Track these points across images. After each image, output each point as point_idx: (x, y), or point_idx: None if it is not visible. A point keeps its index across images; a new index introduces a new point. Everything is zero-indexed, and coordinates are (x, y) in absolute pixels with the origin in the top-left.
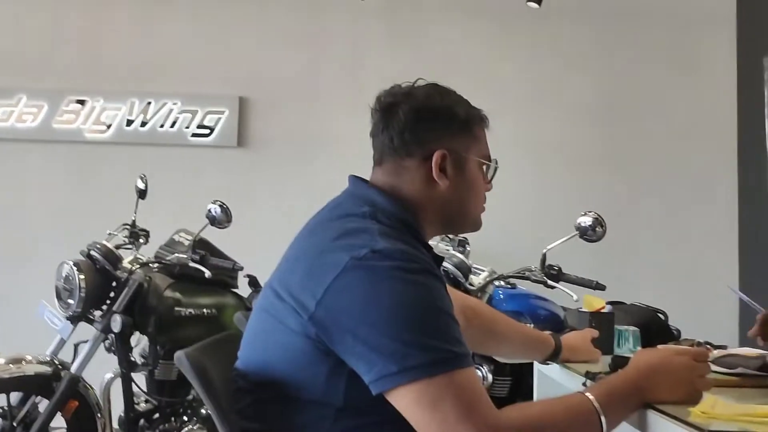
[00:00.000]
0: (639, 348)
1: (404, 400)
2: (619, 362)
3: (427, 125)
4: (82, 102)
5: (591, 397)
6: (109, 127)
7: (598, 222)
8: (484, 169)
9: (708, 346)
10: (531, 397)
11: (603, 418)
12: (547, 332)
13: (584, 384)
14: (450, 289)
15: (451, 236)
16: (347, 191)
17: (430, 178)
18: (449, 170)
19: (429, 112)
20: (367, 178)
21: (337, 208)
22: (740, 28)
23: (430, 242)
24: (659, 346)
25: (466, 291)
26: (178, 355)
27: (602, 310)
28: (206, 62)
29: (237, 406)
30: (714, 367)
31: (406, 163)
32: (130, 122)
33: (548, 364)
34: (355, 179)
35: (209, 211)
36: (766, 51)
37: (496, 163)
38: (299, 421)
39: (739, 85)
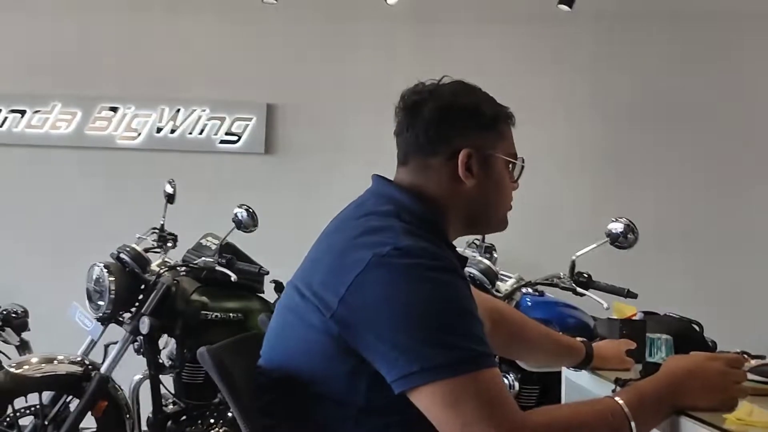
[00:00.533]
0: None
1: (426, 399)
2: (650, 368)
3: (453, 123)
4: (114, 109)
5: (621, 401)
6: (139, 134)
7: (630, 228)
8: (511, 168)
9: (745, 355)
10: None
11: (633, 424)
12: (579, 339)
13: (613, 390)
14: (477, 291)
15: (477, 242)
16: (370, 190)
17: (456, 176)
18: (475, 168)
19: (455, 109)
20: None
21: (361, 207)
22: None
23: (457, 247)
24: (692, 353)
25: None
26: (201, 351)
27: (633, 318)
28: (234, 69)
29: (259, 403)
30: (751, 376)
31: (432, 161)
32: (159, 129)
33: (577, 370)
34: (379, 178)
35: (235, 215)
36: None
37: (523, 161)
38: (321, 420)
39: None
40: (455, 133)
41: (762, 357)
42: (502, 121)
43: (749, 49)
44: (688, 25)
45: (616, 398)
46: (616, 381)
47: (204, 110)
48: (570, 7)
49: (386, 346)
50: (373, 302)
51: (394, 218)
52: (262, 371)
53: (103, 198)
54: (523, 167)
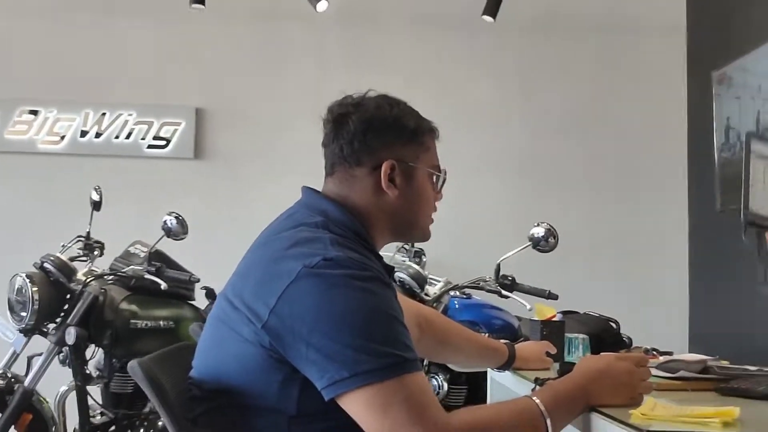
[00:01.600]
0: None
1: (356, 404)
2: (566, 368)
3: (377, 135)
4: (35, 112)
5: (537, 401)
6: (63, 138)
7: (551, 233)
8: (434, 179)
9: (654, 352)
10: None
11: (548, 421)
12: (502, 341)
13: (533, 389)
14: (405, 298)
15: (407, 247)
16: (300, 202)
17: (379, 187)
18: (398, 180)
19: (378, 122)
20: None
21: (290, 219)
22: (690, 42)
23: (387, 252)
24: (602, 353)
25: (422, 301)
26: (132, 364)
27: (553, 319)
28: (162, 73)
29: (191, 414)
30: (657, 372)
31: (356, 172)
32: (84, 133)
33: (501, 371)
34: (308, 190)
35: (165, 222)
36: (715, 65)
37: (445, 173)
38: (253, 429)
39: (689, 98)
40: (379, 145)
41: (670, 353)
42: (425, 133)
43: (664, 62)
44: (607, 37)
45: (534, 398)
46: (536, 380)
47: (131, 114)
48: (494, 17)
49: (316, 355)
50: (303, 312)
51: (323, 229)
52: (194, 383)
53: (24, 205)
54: (445, 179)
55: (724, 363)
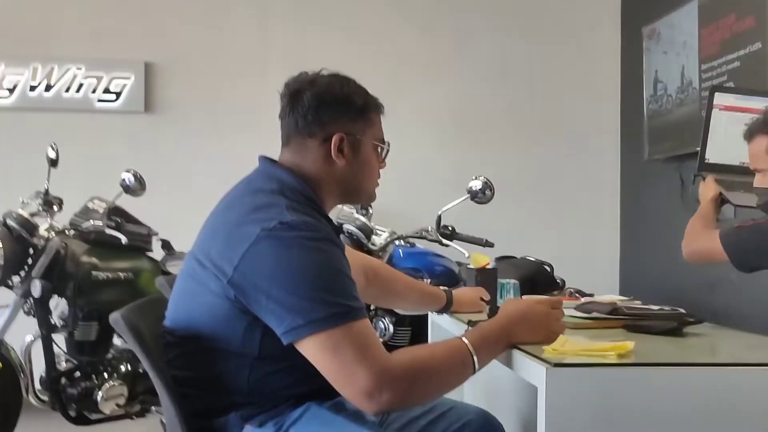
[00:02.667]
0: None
1: (310, 347)
2: (495, 311)
3: (328, 110)
4: None
5: (467, 341)
6: (11, 91)
7: (488, 186)
8: (379, 150)
9: (577, 294)
10: None
11: (476, 358)
12: (441, 288)
13: (466, 330)
14: (353, 251)
15: None
16: (258, 170)
17: (329, 157)
18: (346, 151)
19: (330, 98)
20: (275, 158)
21: (250, 185)
22: None
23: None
24: (523, 297)
25: (369, 251)
26: (114, 317)
27: (487, 267)
28: (109, 27)
29: (166, 357)
30: (575, 313)
31: (309, 142)
32: (33, 87)
33: (440, 314)
34: (265, 159)
35: (123, 180)
36: (647, 20)
37: (389, 145)
38: (221, 369)
39: (622, 52)
40: (329, 119)
41: (591, 295)
42: (371, 110)
43: (599, 15)
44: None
45: (463, 338)
46: (469, 323)
47: (79, 68)
48: None
49: (275, 305)
50: (263, 269)
51: (279, 195)
52: (168, 330)
53: None
54: (388, 150)
55: (636, 303)
